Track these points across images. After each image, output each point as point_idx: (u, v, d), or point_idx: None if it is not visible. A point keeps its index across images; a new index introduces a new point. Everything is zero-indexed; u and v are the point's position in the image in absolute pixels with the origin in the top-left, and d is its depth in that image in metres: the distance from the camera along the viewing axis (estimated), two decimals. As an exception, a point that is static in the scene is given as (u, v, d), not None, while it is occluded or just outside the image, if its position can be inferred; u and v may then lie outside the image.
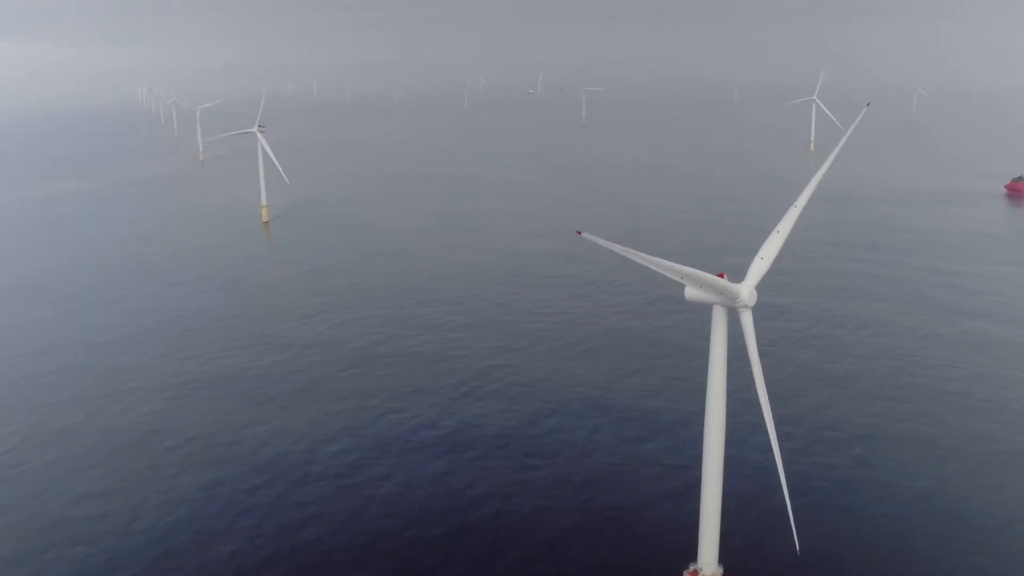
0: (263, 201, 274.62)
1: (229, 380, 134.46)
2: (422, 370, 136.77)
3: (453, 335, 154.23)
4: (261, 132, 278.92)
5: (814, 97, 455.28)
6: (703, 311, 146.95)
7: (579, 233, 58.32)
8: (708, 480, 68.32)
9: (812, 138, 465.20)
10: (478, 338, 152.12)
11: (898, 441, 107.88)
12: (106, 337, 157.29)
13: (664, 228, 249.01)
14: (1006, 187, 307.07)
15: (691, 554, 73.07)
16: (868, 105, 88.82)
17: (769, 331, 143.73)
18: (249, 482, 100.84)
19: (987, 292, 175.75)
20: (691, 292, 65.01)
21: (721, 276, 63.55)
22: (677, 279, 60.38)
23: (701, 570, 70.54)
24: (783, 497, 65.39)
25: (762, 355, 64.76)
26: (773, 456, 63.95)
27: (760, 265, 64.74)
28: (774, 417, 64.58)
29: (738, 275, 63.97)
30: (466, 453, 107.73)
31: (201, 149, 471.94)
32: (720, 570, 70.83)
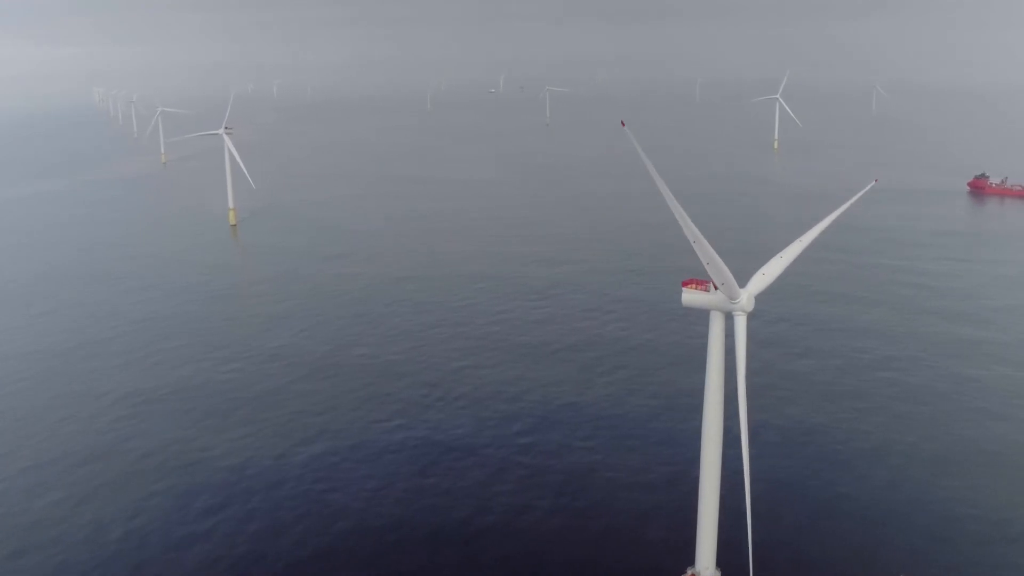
0: (230, 204, 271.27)
1: (201, 387, 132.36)
2: (396, 374, 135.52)
3: (426, 336, 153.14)
4: (227, 134, 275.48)
5: (777, 96, 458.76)
6: (680, 314, 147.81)
7: (623, 124, 60.81)
8: (706, 484, 68.26)
9: (776, 136, 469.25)
10: (451, 341, 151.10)
11: (870, 440, 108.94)
12: (72, 343, 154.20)
13: (631, 228, 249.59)
14: (968, 185, 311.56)
15: (688, 558, 72.97)
16: (876, 181, 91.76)
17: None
18: (225, 490, 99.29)
19: (957, 292, 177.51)
20: (688, 297, 65.10)
21: (714, 285, 64.02)
22: (691, 243, 60.08)
23: (699, 574, 70.34)
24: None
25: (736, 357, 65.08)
26: (753, 461, 63.95)
27: (762, 279, 65.12)
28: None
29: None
30: (446, 456, 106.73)
31: (163, 151, 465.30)
32: (718, 574, 70.71)
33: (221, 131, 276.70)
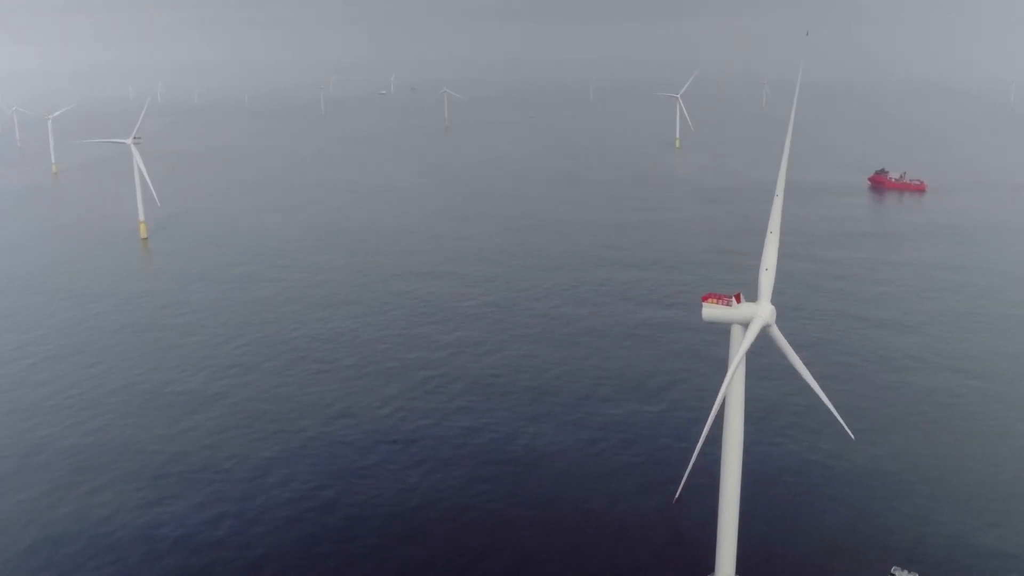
0: (140, 217, 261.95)
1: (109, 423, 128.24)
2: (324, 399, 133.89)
3: (355, 351, 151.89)
4: (135, 144, 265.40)
5: (678, 96, 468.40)
6: (616, 332, 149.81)
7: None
8: (726, 491, 69.65)
9: (677, 135, 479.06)
10: (371, 365, 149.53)
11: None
12: None
13: (551, 233, 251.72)
14: (869, 179, 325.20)
15: (708, 563, 74.18)
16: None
17: (677, 343, 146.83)
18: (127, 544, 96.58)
19: (875, 297, 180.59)
20: (709, 312, 66.49)
21: (738, 296, 65.62)
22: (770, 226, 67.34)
23: (721, 580, 71.75)
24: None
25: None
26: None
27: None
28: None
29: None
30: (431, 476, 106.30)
31: (54, 161, 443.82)
32: (739, 579, 72.22)
33: (129, 141, 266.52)
